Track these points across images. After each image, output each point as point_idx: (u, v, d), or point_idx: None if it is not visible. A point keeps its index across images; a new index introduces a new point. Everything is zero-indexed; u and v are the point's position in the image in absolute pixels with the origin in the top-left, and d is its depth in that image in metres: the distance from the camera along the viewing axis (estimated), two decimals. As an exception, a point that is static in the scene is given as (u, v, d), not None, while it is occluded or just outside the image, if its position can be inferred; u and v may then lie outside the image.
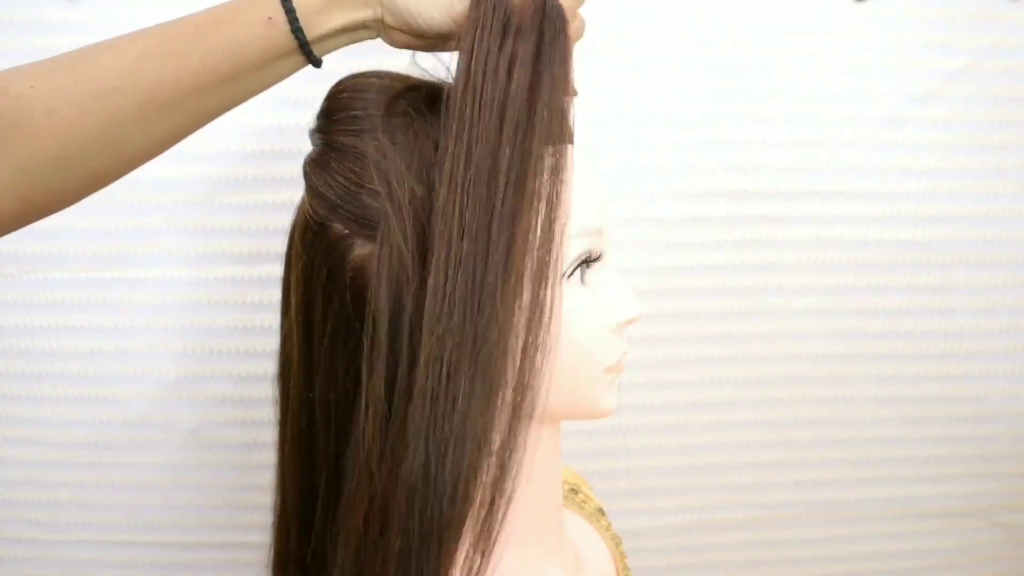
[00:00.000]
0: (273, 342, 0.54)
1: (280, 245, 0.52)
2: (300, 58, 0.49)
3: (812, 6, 0.93)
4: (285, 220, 0.53)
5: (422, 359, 0.43)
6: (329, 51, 0.50)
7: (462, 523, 0.45)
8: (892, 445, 1.09)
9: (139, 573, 1.01)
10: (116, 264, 0.92)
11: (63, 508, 0.99)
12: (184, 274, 0.93)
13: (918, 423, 1.08)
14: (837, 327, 1.03)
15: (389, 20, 0.49)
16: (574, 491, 0.69)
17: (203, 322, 0.94)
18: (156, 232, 0.91)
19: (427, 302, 0.43)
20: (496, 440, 0.45)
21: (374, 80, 0.50)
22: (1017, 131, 0.98)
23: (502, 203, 0.43)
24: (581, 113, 0.92)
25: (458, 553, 0.46)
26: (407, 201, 0.45)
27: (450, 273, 0.43)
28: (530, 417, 0.46)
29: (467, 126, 0.43)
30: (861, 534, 1.13)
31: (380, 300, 0.45)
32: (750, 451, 1.07)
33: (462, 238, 0.43)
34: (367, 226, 0.46)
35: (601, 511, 0.70)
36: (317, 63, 0.50)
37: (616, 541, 0.68)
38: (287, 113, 0.88)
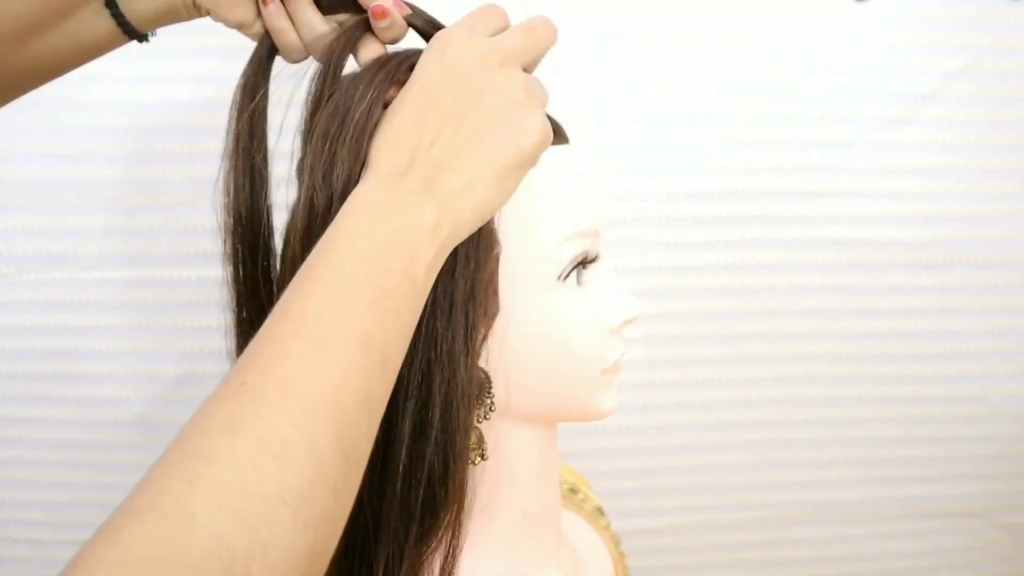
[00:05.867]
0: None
1: (278, 245, 0.52)
2: (107, 15, 0.47)
3: (812, 6, 0.93)
4: (282, 220, 0.53)
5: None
6: (145, 15, 0.49)
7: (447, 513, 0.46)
8: (892, 445, 1.09)
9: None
10: (116, 264, 0.92)
11: (63, 508, 0.99)
12: (183, 274, 0.93)
13: (918, 423, 1.08)
14: (837, 327, 1.03)
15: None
16: (573, 491, 0.69)
17: (203, 322, 0.94)
18: (156, 232, 0.91)
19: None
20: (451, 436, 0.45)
21: None
22: (1017, 131, 0.98)
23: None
24: (580, 113, 0.92)
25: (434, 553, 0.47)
26: None
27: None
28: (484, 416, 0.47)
29: None
30: (861, 534, 1.13)
31: None
32: (750, 451, 1.07)
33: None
34: None
35: (600, 511, 0.70)
36: (122, 20, 0.48)
37: (615, 541, 0.68)
38: (285, 113, 0.88)
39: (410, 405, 0.44)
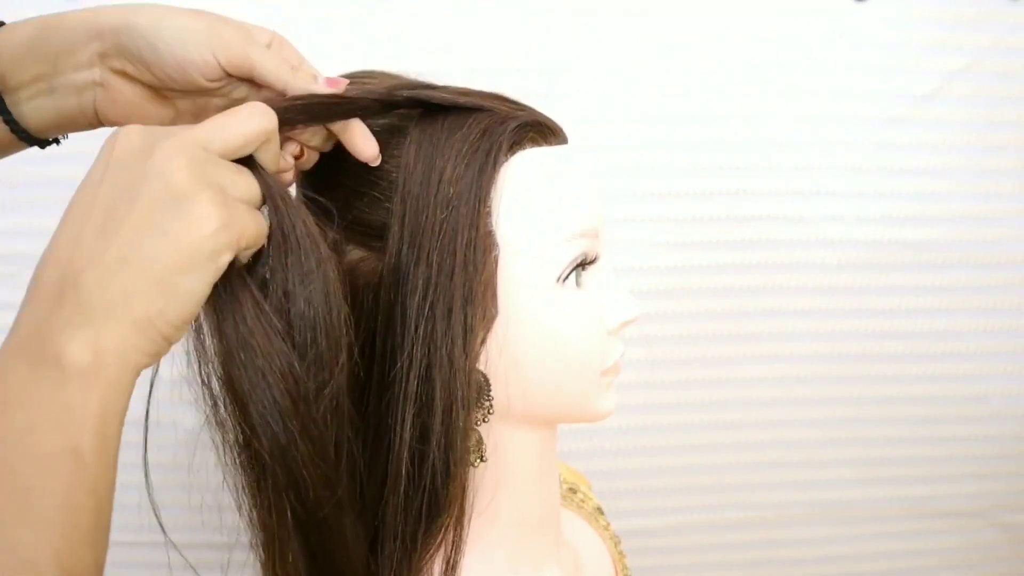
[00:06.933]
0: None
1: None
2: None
3: (812, 6, 0.93)
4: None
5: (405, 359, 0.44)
6: (39, 123, 0.46)
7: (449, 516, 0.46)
8: (892, 445, 1.09)
9: (139, 573, 1.01)
10: (116, 264, 0.92)
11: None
12: (184, 274, 0.93)
13: (918, 423, 1.08)
14: (837, 327, 1.03)
15: (117, 64, 0.44)
16: (572, 490, 0.69)
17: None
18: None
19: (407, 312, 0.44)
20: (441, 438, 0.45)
21: (366, 81, 0.49)
22: (1017, 131, 0.98)
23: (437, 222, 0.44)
24: (580, 113, 0.92)
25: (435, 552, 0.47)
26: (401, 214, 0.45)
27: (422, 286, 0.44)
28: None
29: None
30: (861, 534, 1.13)
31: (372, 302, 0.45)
32: (750, 451, 1.07)
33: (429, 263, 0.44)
34: (358, 232, 0.46)
35: (600, 510, 0.70)
36: (16, 127, 0.46)
37: (615, 541, 0.68)
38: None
39: (410, 408, 0.44)
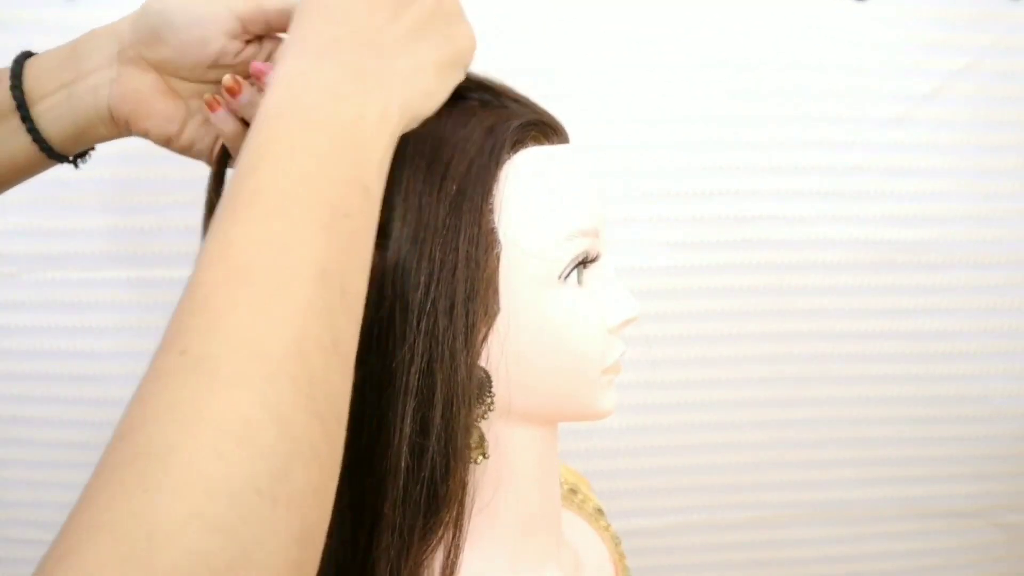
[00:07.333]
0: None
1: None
2: (24, 131, 0.46)
3: (812, 6, 0.93)
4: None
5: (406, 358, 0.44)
6: (61, 134, 0.47)
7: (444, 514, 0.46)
8: (892, 445, 1.09)
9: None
10: (116, 264, 0.92)
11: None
12: (183, 274, 0.92)
13: (918, 423, 1.08)
14: (837, 327, 1.03)
15: (132, 52, 0.46)
16: (573, 491, 0.69)
17: (203, 322, 0.94)
18: (155, 232, 0.91)
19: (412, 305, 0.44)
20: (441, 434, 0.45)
21: None
22: (1017, 131, 0.98)
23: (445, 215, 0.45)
24: (580, 113, 0.92)
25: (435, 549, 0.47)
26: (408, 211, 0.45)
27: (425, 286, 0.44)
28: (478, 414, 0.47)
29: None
30: (861, 534, 1.13)
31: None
32: (750, 451, 1.07)
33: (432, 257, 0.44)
34: None
35: (600, 511, 0.70)
36: (38, 136, 0.46)
37: (615, 541, 0.68)
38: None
39: (411, 403, 0.44)
